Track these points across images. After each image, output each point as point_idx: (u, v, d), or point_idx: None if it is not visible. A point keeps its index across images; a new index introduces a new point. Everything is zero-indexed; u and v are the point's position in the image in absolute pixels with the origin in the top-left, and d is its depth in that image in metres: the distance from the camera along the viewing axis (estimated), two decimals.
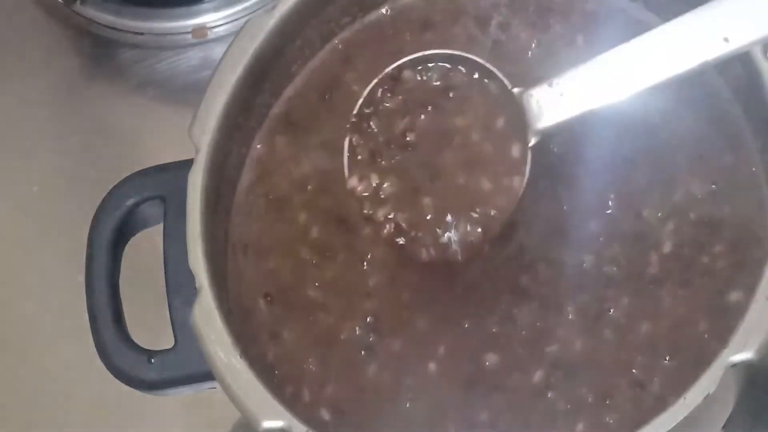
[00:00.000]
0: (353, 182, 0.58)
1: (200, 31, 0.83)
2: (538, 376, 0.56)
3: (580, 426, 0.55)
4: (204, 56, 0.83)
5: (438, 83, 0.58)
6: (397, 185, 0.57)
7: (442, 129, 0.57)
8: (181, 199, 0.59)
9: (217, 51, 0.80)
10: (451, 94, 0.58)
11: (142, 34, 0.84)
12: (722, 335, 0.52)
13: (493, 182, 0.56)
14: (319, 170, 0.63)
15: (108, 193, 0.62)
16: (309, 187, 0.62)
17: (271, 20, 0.62)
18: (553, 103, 0.54)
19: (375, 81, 0.58)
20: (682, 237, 0.57)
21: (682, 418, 0.51)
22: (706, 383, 0.51)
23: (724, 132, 0.59)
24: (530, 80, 0.59)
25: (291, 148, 0.64)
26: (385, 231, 0.57)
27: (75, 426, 0.76)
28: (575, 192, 0.59)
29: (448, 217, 0.56)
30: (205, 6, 0.83)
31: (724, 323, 0.53)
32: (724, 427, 0.62)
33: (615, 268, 0.58)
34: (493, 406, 0.56)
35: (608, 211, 0.59)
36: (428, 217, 0.57)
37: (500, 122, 0.57)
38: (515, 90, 0.56)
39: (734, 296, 0.55)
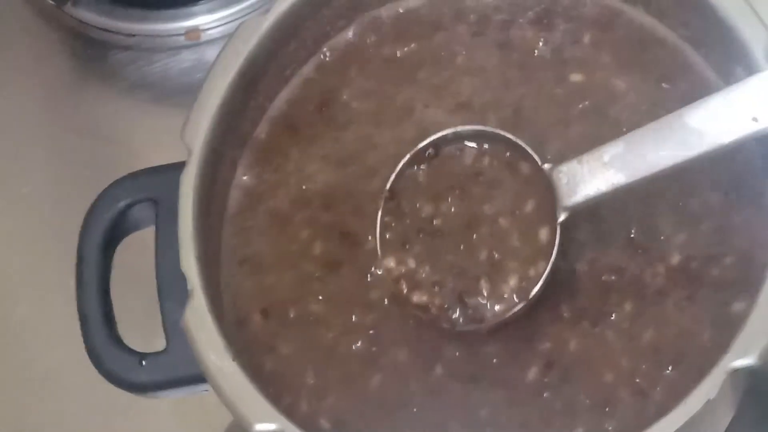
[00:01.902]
0: (390, 263, 0.58)
1: (193, 33, 0.83)
2: (532, 372, 0.56)
3: (579, 431, 0.55)
4: (197, 58, 0.82)
5: (468, 163, 0.58)
6: (429, 271, 0.57)
7: (470, 216, 0.58)
8: (173, 201, 0.59)
9: (210, 53, 0.80)
10: (480, 178, 0.58)
11: (134, 35, 0.83)
12: (727, 346, 0.52)
13: (519, 266, 0.57)
14: (321, 183, 0.62)
15: (99, 195, 0.62)
16: (310, 201, 0.62)
17: (265, 23, 0.62)
18: (583, 179, 0.55)
19: (407, 158, 0.58)
20: (693, 249, 0.57)
21: (682, 423, 0.51)
22: (707, 388, 0.51)
23: None
24: (540, 80, 0.61)
25: (289, 161, 0.63)
26: (419, 305, 0.57)
27: (67, 429, 0.75)
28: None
29: (475, 298, 0.57)
30: (198, 8, 0.83)
31: (729, 333, 0.53)
32: None
33: (614, 277, 0.58)
34: (493, 402, 0.56)
35: (599, 218, 0.59)
36: (456, 294, 0.57)
37: (529, 205, 0.57)
38: (545, 167, 0.56)
39: (738, 306, 0.55)
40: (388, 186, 0.58)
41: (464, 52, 0.64)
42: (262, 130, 0.64)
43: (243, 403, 0.55)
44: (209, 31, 0.83)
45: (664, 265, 0.57)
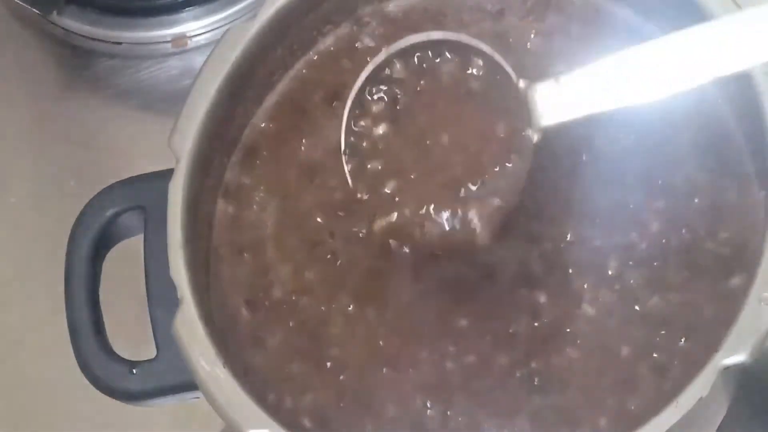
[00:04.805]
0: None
1: (180, 40, 0.83)
2: (518, 371, 0.57)
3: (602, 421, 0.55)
4: (184, 65, 0.82)
5: (433, 86, 0.56)
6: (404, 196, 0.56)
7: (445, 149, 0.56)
8: (161, 209, 0.59)
9: (197, 60, 0.80)
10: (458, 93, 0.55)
11: (120, 43, 0.83)
12: (729, 320, 0.52)
13: (494, 180, 0.55)
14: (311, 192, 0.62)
15: (87, 203, 0.62)
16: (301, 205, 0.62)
17: (252, 29, 0.62)
18: (560, 100, 0.51)
19: (360, 82, 0.56)
20: (673, 216, 0.57)
21: (675, 421, 0.51)
22: (699, 386, 0.51)
23: (714, 127, 0.59)
24: (538, 73, 0.57)
25: (279, 165, 0.63)
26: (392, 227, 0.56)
27: None
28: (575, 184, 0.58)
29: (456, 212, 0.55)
30: (184, 15, 0.83)
31: (729, 308, 0.52)
32: (718, 429, 0.63)
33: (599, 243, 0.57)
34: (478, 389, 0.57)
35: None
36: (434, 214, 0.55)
37: (501, 126, 0.55)
38: (521, 84, 0.53)
39: (735, 281, 0.55)
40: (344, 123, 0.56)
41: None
42: (249, 136, 0.64)
43: (234, 409, 0.55)
44: (196, 38, 0.83)
45: (645, 230, 0.57)
